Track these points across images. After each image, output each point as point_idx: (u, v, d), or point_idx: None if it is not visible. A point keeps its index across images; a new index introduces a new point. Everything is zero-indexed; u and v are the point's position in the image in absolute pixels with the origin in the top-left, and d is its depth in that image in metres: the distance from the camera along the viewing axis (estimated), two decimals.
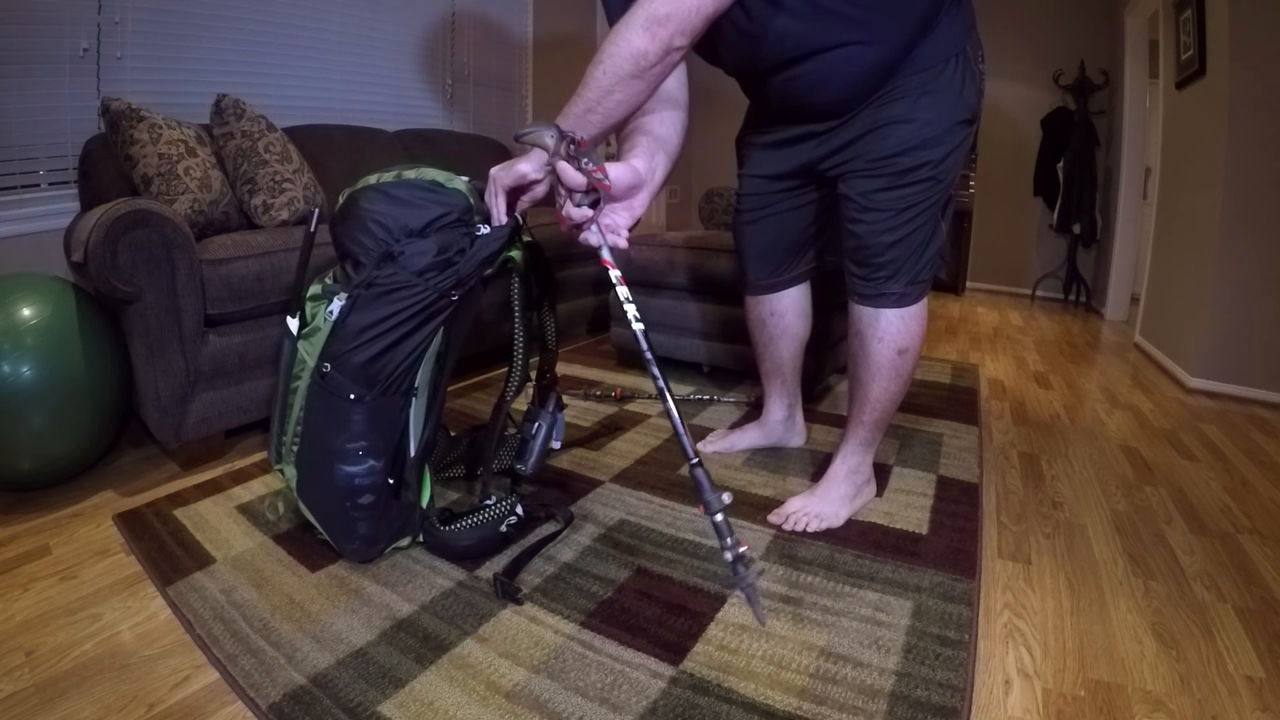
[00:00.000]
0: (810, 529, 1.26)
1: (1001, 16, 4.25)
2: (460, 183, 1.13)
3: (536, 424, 1.22)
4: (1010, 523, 1.37)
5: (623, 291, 1.03)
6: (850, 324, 1.27)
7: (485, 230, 1.11)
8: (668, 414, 0.99)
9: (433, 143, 2.82)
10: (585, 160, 0.94)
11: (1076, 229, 4.22)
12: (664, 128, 1.11)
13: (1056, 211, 4.32)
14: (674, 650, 0.94)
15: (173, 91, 2.05)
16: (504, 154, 3.17)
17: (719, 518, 0.90)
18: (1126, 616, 1.07)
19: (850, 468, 1.34)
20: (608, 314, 2.37)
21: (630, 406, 1.96)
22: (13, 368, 1.24)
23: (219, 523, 1.26)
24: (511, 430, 1.36)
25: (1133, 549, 1.28)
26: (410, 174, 1.12)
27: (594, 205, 0.96)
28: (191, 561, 1.13)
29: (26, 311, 1.30)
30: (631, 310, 1.01)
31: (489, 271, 1.13)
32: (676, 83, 1.18)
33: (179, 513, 1.29)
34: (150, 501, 1.34)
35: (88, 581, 1.09)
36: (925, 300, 1.23)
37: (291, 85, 2.46)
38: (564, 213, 0.98)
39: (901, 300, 1.20)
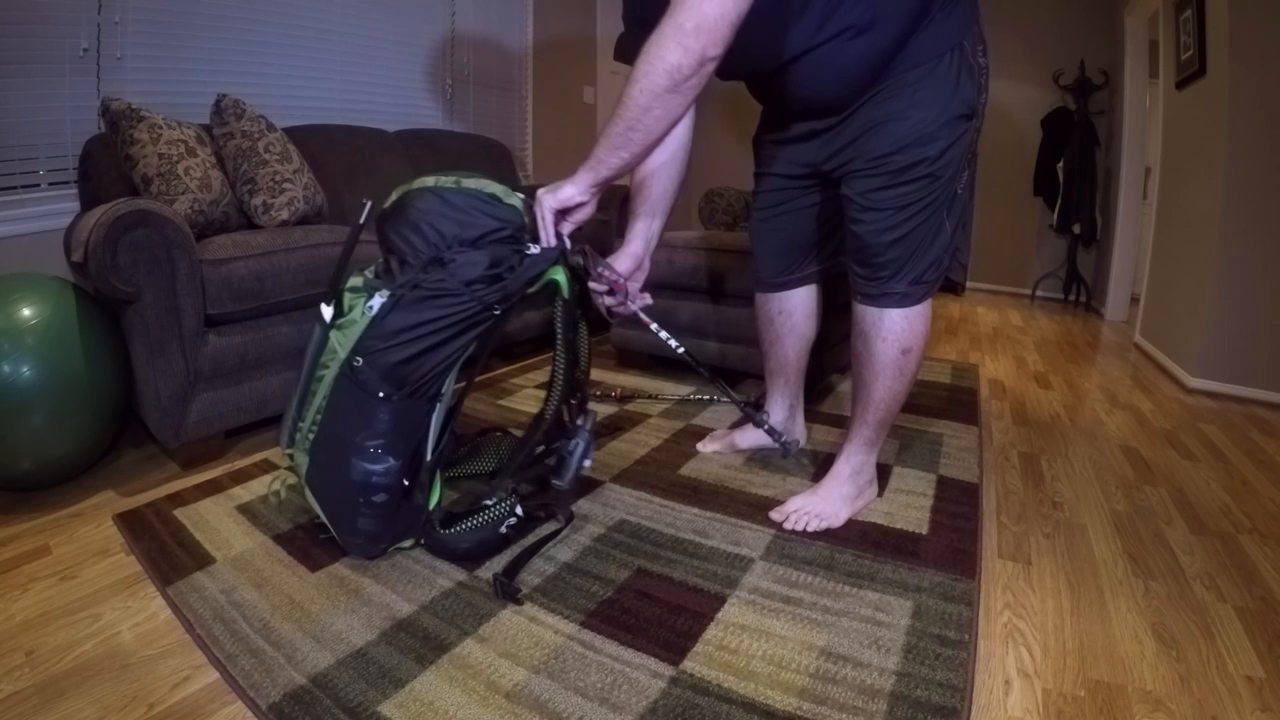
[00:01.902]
0: (810, 528, 1.26)
1: (1001, 16, 4.25)
2: (516, 199, 1.14)
3: (575, 441, 1.25)
4: (1010, 523, 1.37)
5: (663, 335, 1.40)
6: (854, 324, 1.27)
7: (535, 250, 1.13)
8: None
9: (433, 143, 2.82)
10: (599, 268, 1.22)
11: (1076, 229, 4.23)
12: (662, 185, 1.28)
13: (1056, 211, 4.32)
14: (674, 650, 0.93)
15: (173, 91, 2.06)
16: (504, 154, 3.17)
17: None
18: (1126, 616, 1.07)
19: (854, 468, 1.34)
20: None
21: (630, 406, 1.96)
22: (13, 368, 1.24)
23: (219, 523, 1.26)
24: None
25: (1133, 549, 1.28)
26: (469, 183, 1.12)
27: (611, 292, 1.24)
28: (191, 561, 1.13)
29: (26, 311, 1.30)
30: (673, 342, 1.42)
31: (531, 290, 1.15)
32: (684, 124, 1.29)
33: (179, 513, 1.29)
34: (150, 501, 1.34)
35: (88, 581, 1.09)
36: (929, 300, 1.23)
37: (291, 85, 2.46)
38: (603, 304, 1.27)
39: (904, 300, 1.20)
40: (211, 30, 2.18)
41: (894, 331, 1.21)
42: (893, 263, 1.18)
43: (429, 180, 1.12)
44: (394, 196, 1.14)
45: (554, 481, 1.26)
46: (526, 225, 1.14)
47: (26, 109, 1.78)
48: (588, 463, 1.25)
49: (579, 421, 1.27)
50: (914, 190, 1.15)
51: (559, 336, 1.20)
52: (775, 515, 1.31)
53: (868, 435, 1.32)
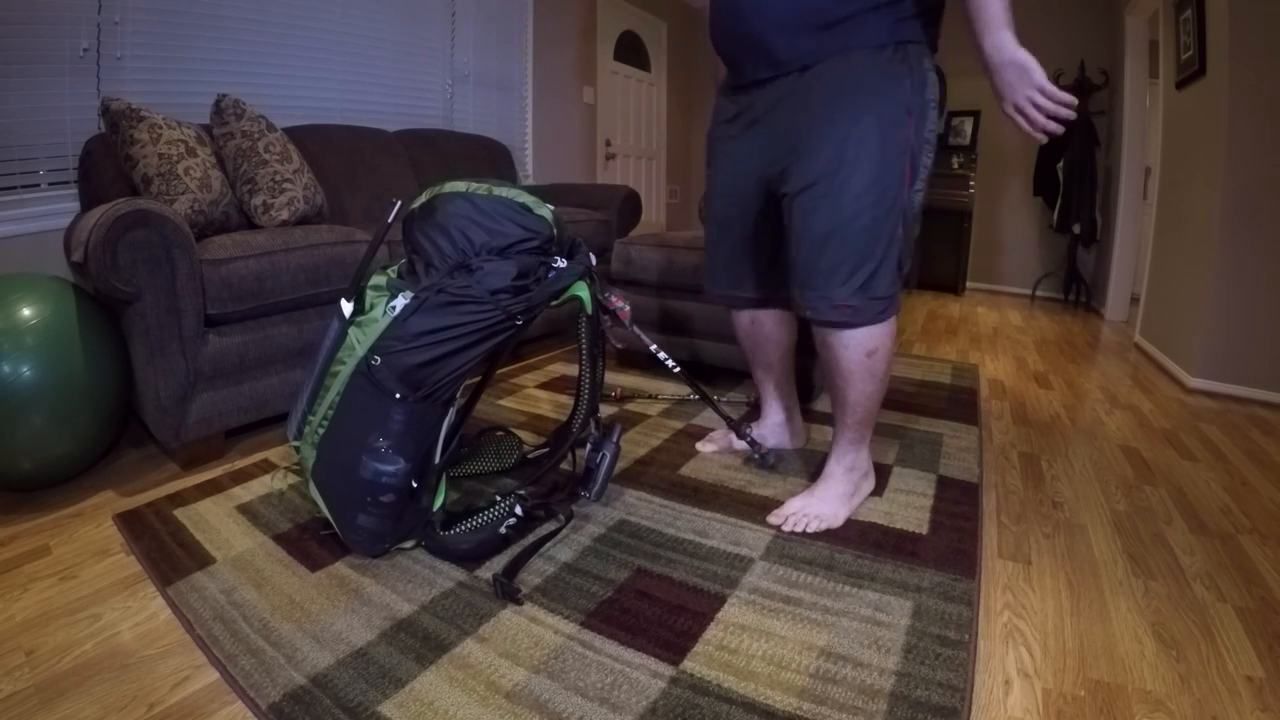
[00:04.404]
0: (810, 529, 1.26)
1: None
2: (546, 210, 1.14)
3: (601, 453, 1.27)
4: (1010, 523, 1.37)
5: (662, 355, 1.53)
6: (815, 333, 1.26)
7: (561, 264, 1.14)
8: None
9: (433, 143, 2.82)
10: (606, 294, 1.26)
11: (1076, 229, 4.22)
12: None
13: (1056, 211, 4.31)
14: (674, 650, 0.94)
15: (173, 91, 2.05)
16: (504, 154, 3.17)
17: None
18: (1126, 616, 1.07)
19: (846, 466, 1.34)
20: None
21: (630, 406, 1.96)
22: (13, 368, 1.24)
23: (219, 523, 1.26)
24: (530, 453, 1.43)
25: (1133, 549, 1.28)
26: (501, 191, 1.12)
27: (613, 318, 1.29)
28: (191, 561, 1.13)
29: (26, 311, 1.30)
30: (670, 361, 1.53)
31: (555, 304, 1.16)
32: None
33: (179, 513, 1.29)
34: (150, 501, 1.34)
35: (88, 581, 1.09)
36: None
37: (291, 85, 2.46)
38: (613, 332, 1.34)
39: None
40: (211, 30, 2.18)
41: (855, 337, 1.20)
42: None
43: (460, 185, 1.12)
44: (424, 198, 1.14)
45: (581, 493, 1.28)
46: (555, 237, 1.14)
47: (26, 109, 1.78)
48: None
49: (606, 434, 1.29)
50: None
51: (584, 351, 1.22)
52: (773, 519, 1.30)
53: (851, 435, 1.32)
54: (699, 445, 1.64)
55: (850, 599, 1.06)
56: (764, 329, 1.50)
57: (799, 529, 1.26)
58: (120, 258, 1.30)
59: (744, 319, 1.52)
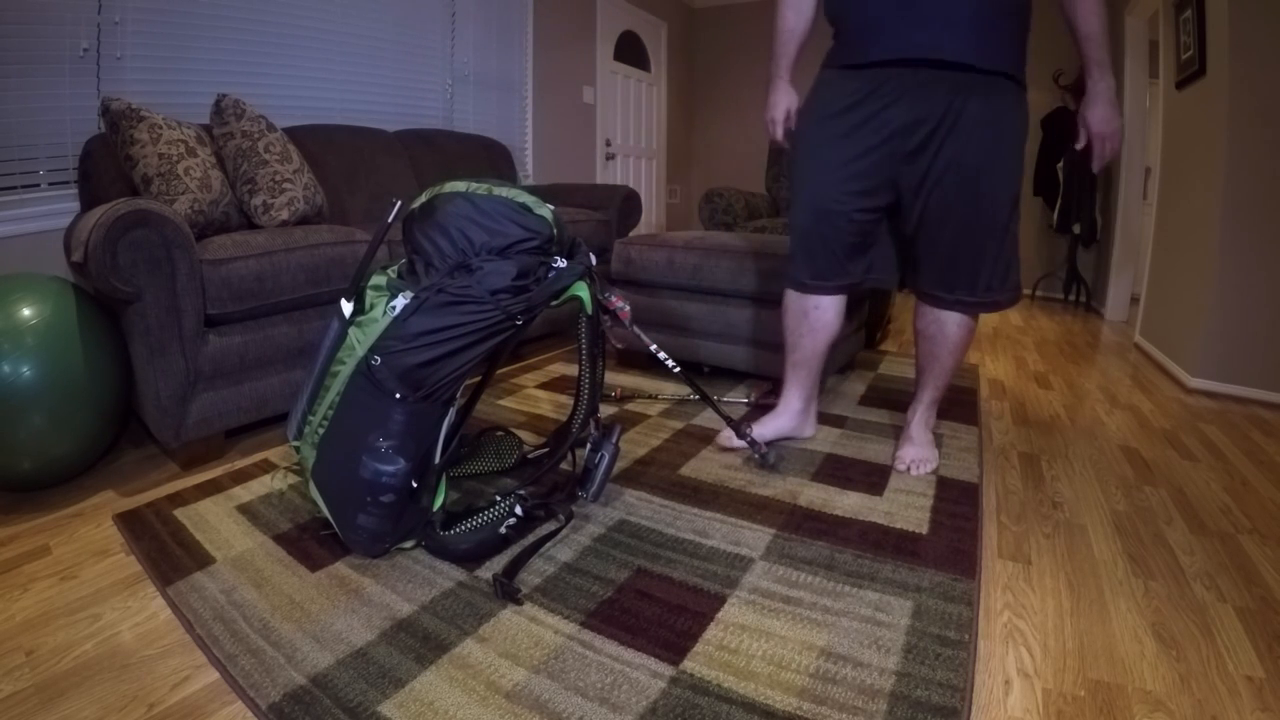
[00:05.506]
0: (924, 471, 1.52)
1: None
2: (546, 210, 1.14)
3: (600, 454, 1.27)
4: (1010, 523, 1.37)
5: (662, 355, 1.52)
6: (937, 316, 1.48)
7: (561, 264, 1.14)
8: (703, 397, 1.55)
9: (433, 143, 2.82)
10: (606, 294, 1.28)
11: (1076, 229, 4.23)
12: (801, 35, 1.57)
13: (1056, 211, 4.31)
14: (674, 650, 0.94)
15: (173, 91, 2.06)
16: (504, 154, 3.17)
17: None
18: (1126, 616, 1.07)
19: (927, 424, 1.62)
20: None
21: (630, 406, 1.96)
22: (13, 368, 1.24)
23: (219, 523, 1.26)
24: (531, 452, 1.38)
25: (1133, 549, 1.28)
26: (501, 191, 1.12)
27: (613, 319, 1.32)
28: (191, 561, 1.13)
29: (26, 311, 1.30)
30: (670, 362, 1.52)
31: (555, 304, 1.17)
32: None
33: (179, 513, 1.29)
34: (150, 501, 1.34)
35: (88, 581, 1.09)
36: None
37: (291, 85, 2.46)
38: (613, 332, 1.42)
39: None
40: (211, 30, 2.18)
41: (961, 317, 1.47)
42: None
43: (460, 185, 1.12)
44: (424, 198, 1.14)
45: (579, 493, 1.28)
46: (555, 237, 1.14)
47: (26, 109, 1.78)
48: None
49: (605, 434, 1.29)
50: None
51: (584, 351, 1.22)
52: (899, 466, 1.54)
53: (935, 397, 1.60)
54: (720, 439, 1.64)
55: (850, 599, 1.06)
56: (826, 315, 1.55)
57: (920, 472, 1.52)
58: (120, 258, 1.30)
59: (807, 304, 1.55)
